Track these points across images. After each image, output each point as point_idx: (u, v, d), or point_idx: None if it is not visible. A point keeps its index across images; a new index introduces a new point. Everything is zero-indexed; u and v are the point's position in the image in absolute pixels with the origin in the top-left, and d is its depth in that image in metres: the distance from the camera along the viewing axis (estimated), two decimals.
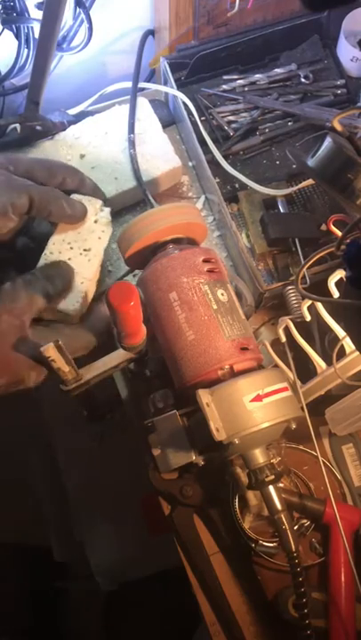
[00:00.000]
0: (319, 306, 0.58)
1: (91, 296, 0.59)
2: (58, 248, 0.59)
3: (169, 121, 0.76)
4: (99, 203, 0.62)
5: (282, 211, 0.69)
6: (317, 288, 0.56)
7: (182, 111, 0.72)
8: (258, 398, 0.50)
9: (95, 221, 0.61)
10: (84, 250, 0.60)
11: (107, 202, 0.65)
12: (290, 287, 0.62)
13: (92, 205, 0.62)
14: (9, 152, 0.68)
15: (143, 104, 0.73)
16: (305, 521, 0.60)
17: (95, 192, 0.63)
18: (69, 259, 0.59)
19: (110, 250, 0.71)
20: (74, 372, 0.51)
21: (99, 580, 1.05)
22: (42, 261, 0.58)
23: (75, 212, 0.59)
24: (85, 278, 0.59)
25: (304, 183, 0.68)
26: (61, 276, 0.56)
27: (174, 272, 0.55)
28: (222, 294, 0.55)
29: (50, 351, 0.47)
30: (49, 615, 1.16)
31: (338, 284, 0.57)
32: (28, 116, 0.70)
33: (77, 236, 0.60)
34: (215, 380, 0.52)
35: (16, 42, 0.73)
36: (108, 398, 0.69)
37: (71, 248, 0.60)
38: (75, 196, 0.61)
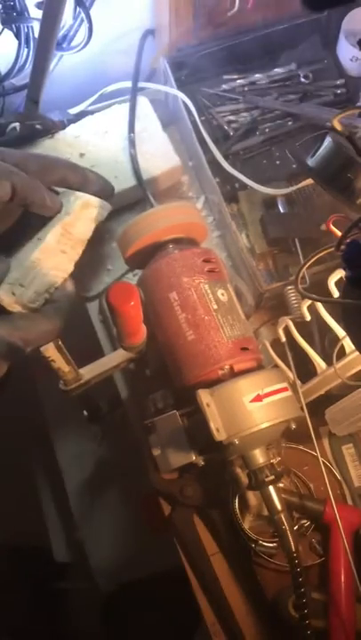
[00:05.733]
0: (319, 306, 0.58)
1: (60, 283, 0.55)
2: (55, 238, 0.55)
3: (169, 120, 0.76)
4: (98, 202, 0.58)
5: (282, 210, 0.69)
6: (317, 288, 0.56)
7: (182, 111, 0.71)
8: (258, 398, 0.50)
9: (90, 220, 0.57)
10: (70, 247, 0.56)
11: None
12: (290, 287, 0.62)
13: (91, 206, 0.57)
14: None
15: (143, 103, 0.73)
16: (305, 521, 0.60)
17: (102, 189, 0.59)
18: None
19: (110, 249, 0.71)
20: (74, 372, 0.51)
21: (99, 580, 1.05)
22: (34, 249, 0.54)
23: (55, 205, 0.55)
24: (59, 276, 0.55)
25: (304, 183, 0.68)
26: (30, 327, 0.51)
27: (174, 272, 0.55)
28: (222, 294, 0.55)
29: (49, 351, 0.47)
30: (49, 615, 1.15)
31: (338, 283, 0.57)
32: (28, 114, 0.70)
33: (69, 234, 0.56)
34: (215, 380, 0.52)
35: (16, 42, 0.73)
36: (108, 398, 0.69)
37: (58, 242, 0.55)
38: (76, 194, 0.57)
